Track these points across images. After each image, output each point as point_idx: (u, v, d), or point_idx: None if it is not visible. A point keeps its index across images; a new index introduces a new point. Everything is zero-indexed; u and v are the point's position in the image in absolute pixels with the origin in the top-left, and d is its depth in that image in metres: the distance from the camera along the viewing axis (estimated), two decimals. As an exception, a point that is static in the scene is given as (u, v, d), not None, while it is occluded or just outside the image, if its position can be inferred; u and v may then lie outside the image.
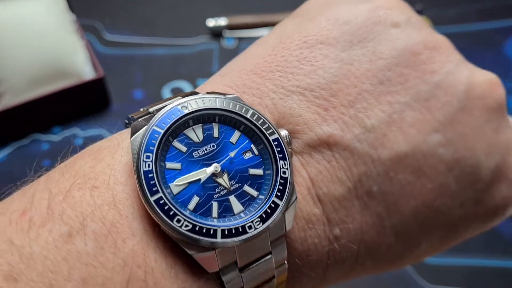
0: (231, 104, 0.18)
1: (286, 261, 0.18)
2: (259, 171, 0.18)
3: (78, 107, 0.68)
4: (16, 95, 0.64)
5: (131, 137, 0.16)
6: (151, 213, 0.15)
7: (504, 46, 0.78)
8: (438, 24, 0.78)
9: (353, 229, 0.19)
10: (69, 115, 0.68)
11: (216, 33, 0.80)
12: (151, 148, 0.16)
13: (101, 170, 0.16)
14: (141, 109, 0.18)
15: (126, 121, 0.19)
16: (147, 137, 0.16)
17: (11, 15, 0.66)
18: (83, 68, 0.68)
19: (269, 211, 0.17)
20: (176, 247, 0.16)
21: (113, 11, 0.84)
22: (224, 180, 0.17)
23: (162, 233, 0.15)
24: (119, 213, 0.15)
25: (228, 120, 0.18)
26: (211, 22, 0.79)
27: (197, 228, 0.16)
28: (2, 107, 0.62)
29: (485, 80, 0.21)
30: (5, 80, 0.64)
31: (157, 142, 0.16)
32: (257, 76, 0.19)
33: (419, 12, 0.69)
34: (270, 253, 0.17)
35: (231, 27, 0.79)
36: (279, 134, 0.18)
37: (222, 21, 0.79)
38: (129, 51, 0.78)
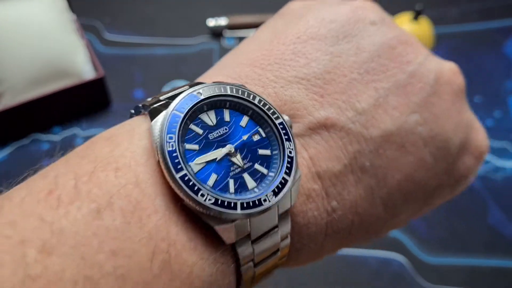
0: (240, 91, 0.19)
1: (289, 235, 0.20)
2: (267, 152, 0.19)
3: (78, 107, 0.68)
4: (16, 95, 0.64)
5: (151, 121, 0.18)
6: (176, 190, 0.16)
7: (504, 46, 0.78)
8: (438, 24, 0.78)
9: (349, 201, 0.21)
10: (69, 115, 0.68)
11: (216, 33, 0.80)
12: (173, 130, 0.17)
13: (121, 153, 0.17)
14: (149, 99, 0.19)
15: (133, 111, 0.20)
16: (168, 120, 0.18)
17: (11, 15, 0.66)
18: (83, 68, 0.68)
19: (280, 186, 0.18)
20: (196, 221, 0.17)
21: (113, 10, 0.84)
22: (237, 159, 0.19)
23: (182, 208, 0.17)
24: (142, 191, 0.16)
25: (237, 106, 0.20)
26: (211, 22, 0.79)
27: (219, 202, 0.17)
28: (2, 107, 0.62)
29: (450, 69, 0.24)
30: (5, 80, 0.64)
31: (178, 124, 0.18)
32: (258, 68, 0.21)
33: (419, 12, 0.69)
34: (277, 226, 0.19)
35: (231, 27, 0.79)
36: (283, 119, 0.20)
37: (222, 21, 0.79)
38: (129, 51, 0.78)
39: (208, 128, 0.19)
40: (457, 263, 0.55)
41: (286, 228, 0.19)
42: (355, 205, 0.21)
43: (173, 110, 0.18)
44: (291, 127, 0.20)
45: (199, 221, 0.17)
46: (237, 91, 0.19)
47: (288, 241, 0.20)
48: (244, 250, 0.18)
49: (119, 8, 0.84)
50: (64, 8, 0.71)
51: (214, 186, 0.18)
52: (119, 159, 0.17)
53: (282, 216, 0.19)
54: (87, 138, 0.67)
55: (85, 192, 0.15)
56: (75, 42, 0.69)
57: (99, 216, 0.15)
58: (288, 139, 0.19)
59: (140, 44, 0.79)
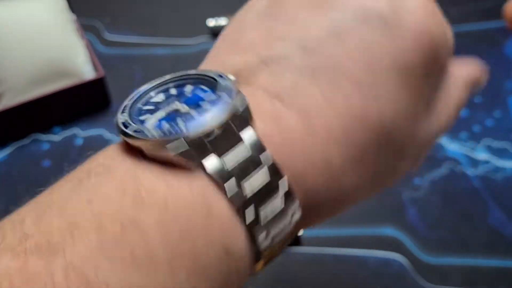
0: (180, 72, 0.23)
1: (267, 152, 0.19)
2: (212, 96, 0.21)
3: (78, 107, 0.68)
4: (16, 95, 0.65)
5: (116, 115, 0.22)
6: (132, 142, 0.19)
7: (504, 46, 0.78)
8: (438, 24, 0.78)
9: (319, 101, 0.21)
10: (69, 115, 0.68)
11: (217, 33, 0.80)
12: (124, 109, 0.21)
13: (104, 151, 0.21)
14: None
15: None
16: (121, 108, 0.21)
17: (11, 15, 0.67)
18: (83, 68, 0.68)
19: (222, 106, 0.20)
20: (161, 163, 0.19)
21: (113, 10, 0.84)
22: (185, 109, 0.21)
23: (145, 159, 0.19)
24: (113, 160, 0.20)
25: (179, 81, 0.23)
26: (211, 22, 0.79)
27: (168, 132, 0.19)
28: (2, 107, 0.62)
29: None
30: (5, 80, 0.64)
31: (129, 106, 0.22)
32: (210, 57, 0.27)
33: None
34: (241, 140, 0.19)
35: (231, 27, 0.79)
36: (226, 76, 0.22)
37: (222, 21, 0.79)
38: (130, 51, 0.78)
39: (158, 104, 0.22)
40: (457, 263, 0.55)
41: (266, 156, 0.19)
42: (325, 102, 0.21)
43: (125, 102, 0.22)
44: (236, 81, 0.22)
45: (164, 163, 0.19)
46: (176, 73, 0.23)
47: (268, 158, 0.19)
48: (214, 166, 0.18)
49: (119, 8, 0.84)
50: (64, 8, 0.71)
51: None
52: (100, 153, 0.21)
53: (254, 146, 0.19)
54: (87, 138, 0.67)
55: (76, 173, 0.20)
56: (75, 42, 0.69)
57: (79, 182, 0.19)
58: (226, 79, 0.21)
59: (140, 44, 0.79)
